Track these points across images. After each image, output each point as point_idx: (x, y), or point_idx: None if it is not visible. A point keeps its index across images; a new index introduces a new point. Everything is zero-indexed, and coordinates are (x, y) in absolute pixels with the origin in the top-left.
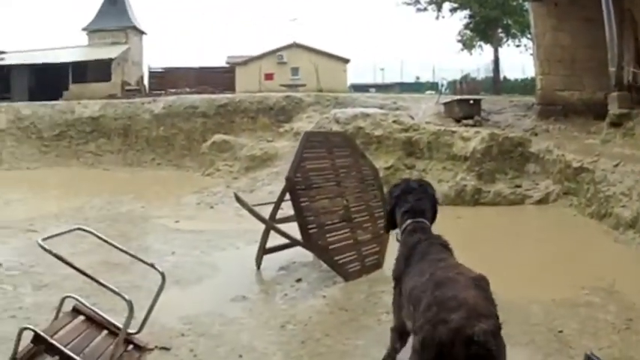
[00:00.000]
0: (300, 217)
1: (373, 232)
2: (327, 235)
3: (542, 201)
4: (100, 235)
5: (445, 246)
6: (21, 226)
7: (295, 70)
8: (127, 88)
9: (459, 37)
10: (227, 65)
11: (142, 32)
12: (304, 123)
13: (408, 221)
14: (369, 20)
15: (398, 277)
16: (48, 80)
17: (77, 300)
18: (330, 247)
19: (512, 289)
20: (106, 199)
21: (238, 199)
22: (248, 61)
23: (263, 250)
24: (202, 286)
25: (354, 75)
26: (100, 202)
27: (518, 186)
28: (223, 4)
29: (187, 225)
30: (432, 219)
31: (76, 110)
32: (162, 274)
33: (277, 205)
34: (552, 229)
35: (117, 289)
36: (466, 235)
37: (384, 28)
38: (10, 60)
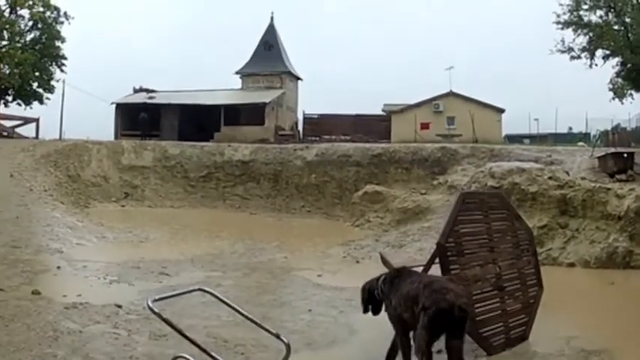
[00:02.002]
0: None
1: (524, 302)
2: (475, 306)
3: None
4: (222, 297)
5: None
6: (153, 267)
7: (451, 120)
8: (281, 133)
9: (610, 86)
10: (383, 113)
11: (298, 78)
12: (459, 176)
13: (384, 275)
14: (522, 68)
15: (387, 296)
16: (198, 121)
17: None
18: (477, 318)
19: None
20: (248, 246)
21: (384, 260)
22: (404, 110)
23: None
24: (335, 351)
25: (507, 125)
26: (242, 249)
27: None
28: (379, 51)
29: (329, 280)
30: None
31: (226, 153)
32: (288, 346)
33: (426, 271)
34: None
35: None
36: (617, 303)
37: (537, 76)
38: (160, 99)
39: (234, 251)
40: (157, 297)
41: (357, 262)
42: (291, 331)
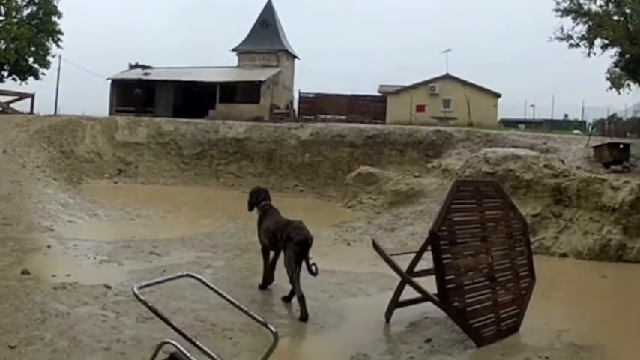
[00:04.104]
0: (439, 275)
1: (515, 293)
2: (466, 296)
3: None
4: (209, 283)
5: (278, 212)
6: (144, 246)
7: (447, 103)
8: (276, 111)
9: (608, 75)
10: (379, 94)
11: (294, 56)
12: (453, 160)
13: (264, 202)
14: (520, 54)
15: (259, 224)
16: (194, 98)
17: (176, 347)
18: (467, 309)
19: None
20: (239, 225)
21: (376, 246)
22: (400, 91)
23: (395, 304)
24: (323, 337)
25: (503, 109)
26: (234, 228)
27: None
28: (376, 32)
29: (319, 263)
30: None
31: (220, 130)
32: (275, 335)
33: (417, 258)
34: None
35: (209, 350)
36: (609, 297)
37: (534, 62)
38: (155, 75)
39: (225, 231)
40: (143, 283)
41: (349, 244)
42: (280, 316)
